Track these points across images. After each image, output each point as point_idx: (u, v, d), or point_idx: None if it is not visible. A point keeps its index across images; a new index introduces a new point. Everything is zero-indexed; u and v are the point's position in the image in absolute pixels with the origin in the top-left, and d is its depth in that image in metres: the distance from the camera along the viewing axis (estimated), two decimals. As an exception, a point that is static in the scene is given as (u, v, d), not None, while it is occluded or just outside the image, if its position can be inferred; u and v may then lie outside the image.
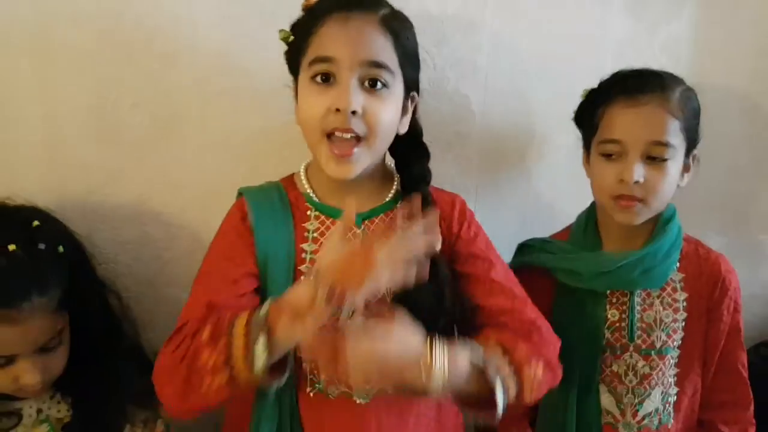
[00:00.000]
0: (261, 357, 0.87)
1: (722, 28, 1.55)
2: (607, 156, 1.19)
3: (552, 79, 1.46)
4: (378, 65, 0.98)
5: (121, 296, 1.18)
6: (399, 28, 1.02)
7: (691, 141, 1.21)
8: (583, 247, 1.29)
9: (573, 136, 1.37)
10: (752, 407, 1.30)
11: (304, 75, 1.01)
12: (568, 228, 1.34)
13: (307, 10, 1.04)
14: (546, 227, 1.38)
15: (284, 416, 1.05)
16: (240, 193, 1.12)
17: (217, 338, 0.90)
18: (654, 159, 1.16)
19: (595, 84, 1.28)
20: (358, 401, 1.05)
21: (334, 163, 0.99)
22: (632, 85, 1.18)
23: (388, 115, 1.01)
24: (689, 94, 1.21)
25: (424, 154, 1.13)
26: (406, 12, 1.24)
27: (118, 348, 1.14)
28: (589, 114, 1.22)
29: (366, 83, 0.99)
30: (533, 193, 1.53)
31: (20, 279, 0.98)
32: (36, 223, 1.05)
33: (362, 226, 1.07)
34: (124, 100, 1.24)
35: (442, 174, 1.39)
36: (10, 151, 1.22)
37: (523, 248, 1.34)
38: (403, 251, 0.85)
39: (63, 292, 1.03)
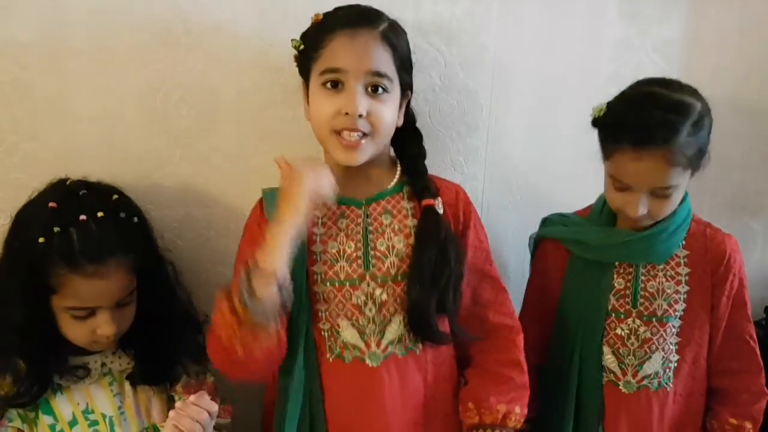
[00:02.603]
0: (244, 280, 1.00)
1: (711, 29, 1.63)
2: (621, 191, 1.23)
3: (552, 76, 1.55)
4: (380, 74, 1.12)
5: (175, 266, 1.28)
6: (396, 41, 1.15)
7: (697, 166, 1.22)
8: (598, 224, 1.35)
9: (572, 128, 1.47)
10: (763, 375, 1.35)
11: (315, 81, 1.14)
12: (590, 207, 1.41)
13: (317, 24, 1.17)
14: (550, 212, 1.45)
15: (309, 381, 1.17)
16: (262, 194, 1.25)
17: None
18: (658, 195, 1.21)
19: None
20: (370, 364, 1.17)
21: (343, 151, 1.14)
22: (638, 138, 1.17)
23: (389, 114, 1.15)
24: (697, 126, 1.18)
25: (417, 135, 1.27)
26: (419, 14, 1.35)
27: (174, 309, 1.24)
28: (600, 140, 1.25)
29: (369, 89, 1.13)
30: (537, 182, 1.61)
31: (109, 239, 1.09)
32: (115, 196, 1.16)
33: (368, 209, 1.20)
34: (172, 95, 1.33)
35: (453, 162, 1.53)
36: (74, 142, 1.31)
37: (545, 222, 1.44)
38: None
39: (138, 256, 1.14)
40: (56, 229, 1.06)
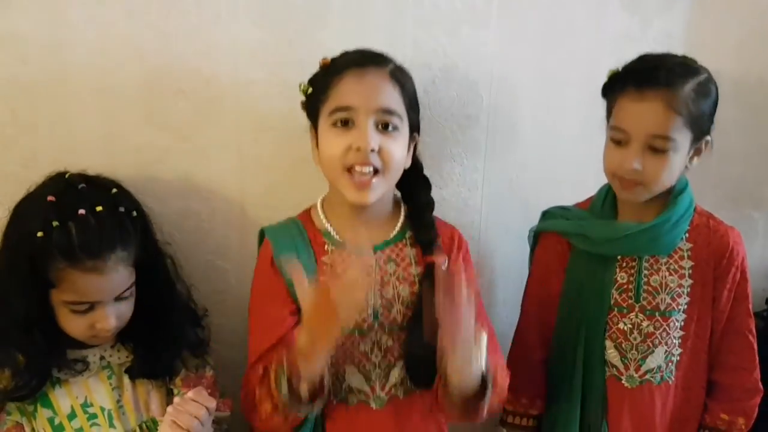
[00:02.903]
0: (283, 384, 1.01)
1: (713, 21, 1.63)
2: (616, 142, 1.24)
3: (553, 68, 1.55)
4: (390, 112, 1.13)
5: (175, 260, 1.27)
6: (404, 80, 1.16)
7: (699, 132, 1.22)
8: (600, 217, 1.34)
9: (573, 121, 1.48)
10: (757, 371, 1.35)
11: (325, 122, 1.14)
12: (590, 199, 1.40)
13: (325, 68, 1.17)
14: (550, 204, 1.45)
15: (314, 424, 1.18)
16: (262, 233, 1.24)
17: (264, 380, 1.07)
18: (656, 150, 1.19)
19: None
20: (374, 407, 1.19)
21: (355, 190, 1.13)
22: (641, 78, 1.21)
23: (399, 151, 1.15)
24: (702, 88, 1.21)
25: (426, 184, 1.27)
26: (420, 6, 1.35)
27: (173, 303, 1.24)
28: (609, 96, 1.27)
29: (380, 126, 1.13)
30: (537, 173, 1.61)
31: (108, 235, 1.08)
32: (114, 190, 1.16)
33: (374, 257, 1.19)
34: (170, 87, 1.33)
35: (453, 154, 1.53)
36: (73, 135, 1.31)
37: (545, 215, 1.43)
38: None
39: (137, 250, 1.14)
40: (55, 223, 1.06)
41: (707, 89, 1.22)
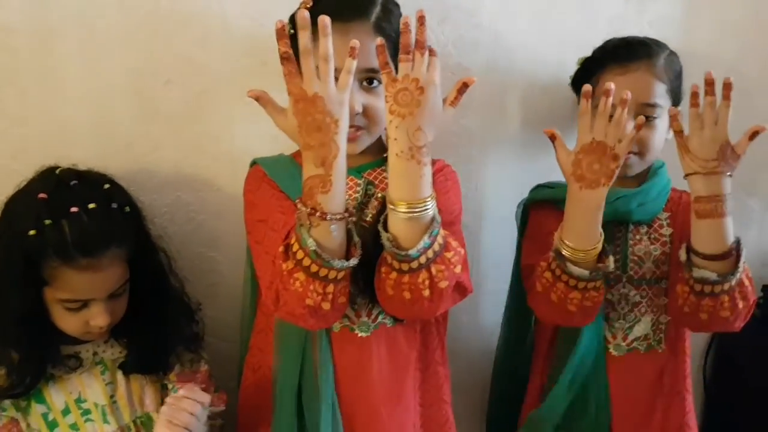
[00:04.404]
0: (307, 238, 0.96)
1: (706, 5, 1.62)
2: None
3: (547, 55, 1.53)
4: (374, 70, 1.09)
5: (168, 253, 1.26)
6: (390, 26, 1.11)
7: (676, 101, 1.31)
8: None
9: (568, 107, 1.47)
10: None
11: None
12: None
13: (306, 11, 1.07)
14: None
15: (303, 349, 1.16)
16: (254, 162, 1.22)
17: (288, 254, 1.00)
18: (646, 118, 1.22)
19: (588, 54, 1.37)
20: (359, 334, 1.17)
21: None
22: (622, 54, 1.29)
23: (383, 105, 1.06)
24: (673, 58, 1.31)
25: None
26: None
27: (167, 298, 1.24)
28: (585, 81, 1.25)
29: (364, 83, 1.10)
30: (530, 160, 1.59)
31: (102, 232, 1.07)
32: (107, 185, 1.14)
33: (362, 177, 1.17)
34: (160, 78, 1.32)
35: (446, 142, 1.50)
36: (61, 126, 1.30)
37: (535, 188, 1.44)
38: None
39: (131, 246, 1.13)
40: (48, 221, 1.05)
41: (676, 60, 1.32)
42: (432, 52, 0.99)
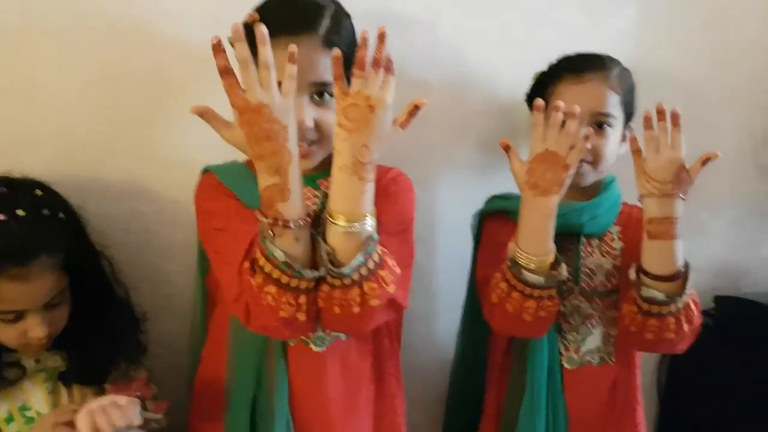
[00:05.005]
0: (272, 248, 0.95)
1: (663, 21, 1.65)
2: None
3: (506, 69, 1.54)
4: (324, 84, 1.08)
5: (112, 261, 1.23)
6: (340, 38, 1.09)
7: (628, 114, 1.35)
8: None
9: (527, 120, 1.46)
10: None
11: None
12: None
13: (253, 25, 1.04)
14: None
15: (259, 365, 1.15)
16: (206, 170, 1.20)
17: (254, 268, 0.99)
18: (599, 126, 1.28)
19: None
20: (314, 349, 1.15)
21: None
22: (577, 64, 1.33)
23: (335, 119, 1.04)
24: (626, 73, 1.34)
25: None
26: (370, 4, 1.32)
27: (111, 307, 1.21)
28: (539, 94, 1.31)
29: (315, 96, 1.09)
30: (486, 172, 1.60)
31: (30, 240, 1.05)
32: (39, 192, 1.12)
33: (319, 188, 1.16)
34: (116, 83, 1.30)
35: (406, 156, 1.46)
36: (11, 133, 1.27)
37: (490, 199, 1.45)
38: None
39: (65, 254, 1.10)
40: None
41: (629, 75, 1.35)
42: (388, 70, 0.99)
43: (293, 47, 0.95)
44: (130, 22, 1.28)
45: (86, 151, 1.32)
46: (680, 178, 1.21)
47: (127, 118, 1.33)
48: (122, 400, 1.04)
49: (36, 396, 1.16)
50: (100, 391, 1.21)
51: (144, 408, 1.22)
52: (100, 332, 1.18)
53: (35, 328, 1.08)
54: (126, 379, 1.23)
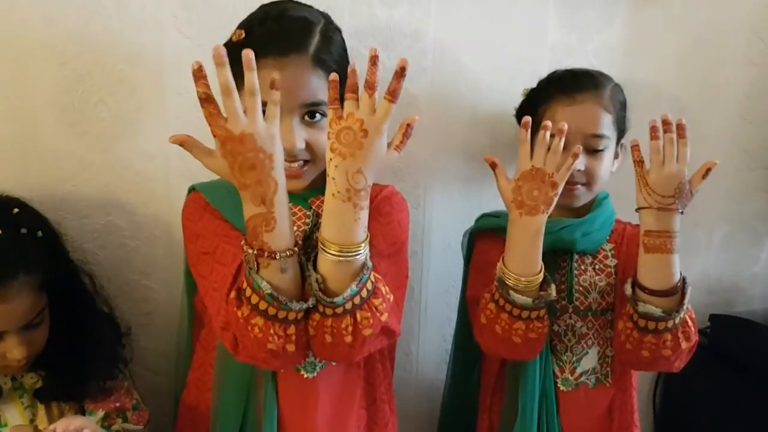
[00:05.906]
0: (258, 280, 0.92)
1: (649, 35, 1.65)
2: None
3: (492, 82, 1.53)
4: (314, 104, 1.04)
5: (93, 276, 1.20)
6: (330, 59, 1.05)
7: (621, 132, 1.33)
8: None
9: (513, 134, 1.45)
10: None
11: None
12: None
13: (239, 43, 1.02)
14: None
15: (247, 391, 1.11)
16: (192, 188, 1.16)
17: (241, 299, 0.96)
18: (593, 149, 1.26)
19: (533, 84, 1.36)
20: (305, 375, 1.11)
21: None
22: (568, 85, 1.29)
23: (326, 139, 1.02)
24: (617, 89, 1.32)
25: None
26: (356, 17, 1.30)
27: (93, 325, 1.17)
28: (531, 112, 1.28)
29: (306, 117, 1.05)
30: (476, 188, 1.59)
31: (7, 260, 1.01)
32: (16, 210, 1.08)
33: (311, 207, 1.12)
34: (91, 96, 1.26)
35: (394, 169, 1.50)
36: None
37: (480, 217, 1.43)
38: None
39: (44, 273, 1.06)
40: None
41: (621, 91, 1.33)
42: (391, 99, 0.95)
43: (275, 75, 0.91)
44: (106, 30, 1.25)
45: (60, 164, 1.28)
46: (682, 192, 1.18)
47: (101, 133, 1.29)
48: (90, 425, 1.00)
49: (11, 412, 1.12)
50: (80, 407, 1.17)
51: (124, 419, 1.20)
52: (81, 350, 1.14)
53: (14, 350, 1.04)
54: (105, 392, 1.18)
